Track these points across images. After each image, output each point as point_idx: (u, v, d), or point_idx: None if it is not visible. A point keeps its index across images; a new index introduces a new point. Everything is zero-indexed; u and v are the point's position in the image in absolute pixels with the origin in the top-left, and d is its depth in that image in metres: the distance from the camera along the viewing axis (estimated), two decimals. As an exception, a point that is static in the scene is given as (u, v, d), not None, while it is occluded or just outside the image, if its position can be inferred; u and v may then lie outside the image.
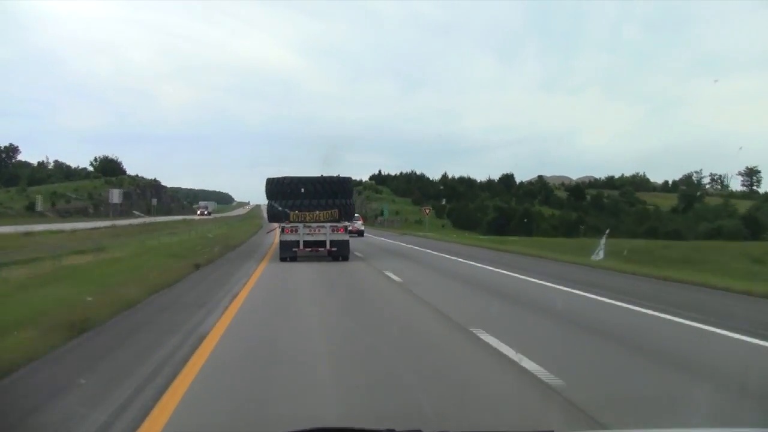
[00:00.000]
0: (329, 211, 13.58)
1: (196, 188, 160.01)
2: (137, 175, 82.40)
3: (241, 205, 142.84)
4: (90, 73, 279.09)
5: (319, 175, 14.31)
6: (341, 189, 14.11)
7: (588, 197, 74.32)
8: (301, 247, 13.10)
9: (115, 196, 46.57)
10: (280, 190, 13.77)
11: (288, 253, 13.06)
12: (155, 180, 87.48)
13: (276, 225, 14.21)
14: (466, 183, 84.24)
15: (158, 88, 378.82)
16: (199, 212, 72.07)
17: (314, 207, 13.54)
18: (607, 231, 17.65)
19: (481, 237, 33.19)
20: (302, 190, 13.62)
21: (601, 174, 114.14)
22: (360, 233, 29.74)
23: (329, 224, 13.36)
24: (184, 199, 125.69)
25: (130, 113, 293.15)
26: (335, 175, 14.61)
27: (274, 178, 14.01)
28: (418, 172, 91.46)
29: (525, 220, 47.00)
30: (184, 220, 43.59)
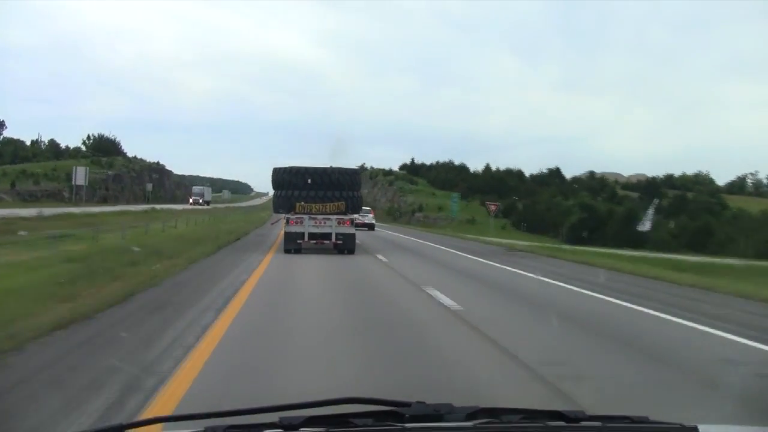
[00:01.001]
0: (336, 203, 14.85)
1: (215, 177, 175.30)
2: (135, 157, 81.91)
3: (259, 195, 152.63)
4: (112, 60, 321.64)
5: (328, 166, 15.70)
6: (349, 181, 15.41)
7: (659, 198, 62.55)
8: (306, 239, 14.41)
9: (80, 175, 41.30)
10: (286, 179, 15.09)
11: (292, 244, 14.42)
12: (157, 163, 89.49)
13: (281, 216, 15.52)
14: (516, 176, 75.25)
15: (180, 76, 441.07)
16: (191, 200, 67.69)
17: (320, 198, 14.84)
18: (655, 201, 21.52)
19: (589, 250, 23.20)
20: (309, 180, 14.92)
21: (651, 172, 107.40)
22: (370, 227, 31.76)
23: (335, 216, 14.65)
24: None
25: (150, 101, 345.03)
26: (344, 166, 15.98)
27: (280, 168, 15.40)
28: (456, 162, 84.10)
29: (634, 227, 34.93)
30: (171, 210, 39.92)
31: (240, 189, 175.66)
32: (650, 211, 38.62)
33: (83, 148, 75.13)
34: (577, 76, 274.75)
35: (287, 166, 15.34)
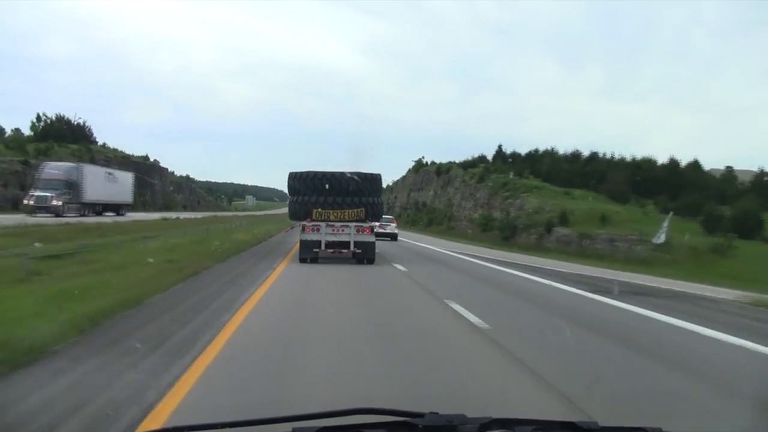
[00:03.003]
0: (355, 210, 17.81)
1: (250, 184, 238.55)
2: (104, 145, 79.35)
3: None
4: (152, 69, 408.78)
5: (347, 171, 18.38)
6: (369, 186, 18.33)
7: None
8: (323, 247, 17.27)
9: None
10: (303, 185, 18.05)
11: (308, 253, 17.31)
12: (147, 159, 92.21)
13: (297, 223, 18.26)
14: (692, 167, 54.80)
15: (219, 84, 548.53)
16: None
17: (339, 205, 17.77)
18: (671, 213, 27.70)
19: None
20: (326, 186, 17.86)
21: None
22: (393, 237, 36.94)
23: (354, 224, 17.58)
24: (227, 194, 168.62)
25: (188, 109, 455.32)
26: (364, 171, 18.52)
27: (296, 173, 18.46)
28: (569, 150, 66.78)
29: None
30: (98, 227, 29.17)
31: (276, 196, 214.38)
32: None
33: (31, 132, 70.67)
34: (618, 82, 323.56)
35: (304, 171, 18.34)
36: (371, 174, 18.64)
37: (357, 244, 17.36)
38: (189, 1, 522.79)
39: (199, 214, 65.70)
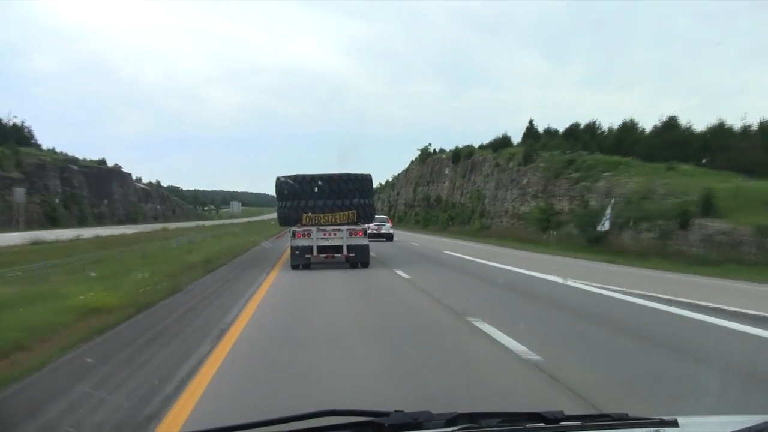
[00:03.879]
0: (346, 213, 19.14)
1: (239, 190, 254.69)
2: (53, 150, 76.07)
3: None
4: (139, 79, 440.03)
5: (336, 172, 19.66)
6: (360, 187, 19.69)
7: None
8: (315, 253, 18.62)
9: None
10: (291, 189, 19.37)
11: (300, 260, 18.64)
12: (104, 163, 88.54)
13: (287, 229, 19.51)
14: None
15: (205, 92, 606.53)
16: None
17: (329, 208, 19.08)
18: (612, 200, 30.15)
19: None
20: (315, 189, 19.18)
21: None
22: (388, 237, 38.33)
23: (346, 227, 18.95)
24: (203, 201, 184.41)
25: (176, 117, 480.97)
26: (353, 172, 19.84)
27: (284, 177, 19.84)
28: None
29: None
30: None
31: (266, 202, 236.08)
32: None
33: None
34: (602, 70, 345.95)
35: (291, 174, 19.69)
36: (360, 174, 19.90)
37: (350, 248, 18.63)
38: (169, 12, 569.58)
39: (155, 226, 62.98)
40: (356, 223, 18.99)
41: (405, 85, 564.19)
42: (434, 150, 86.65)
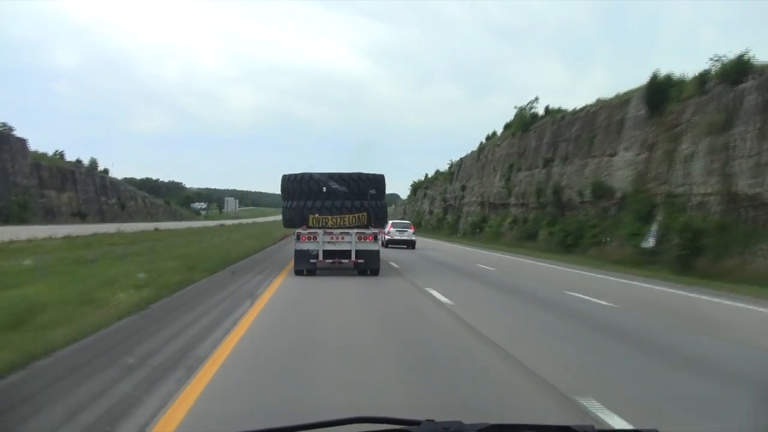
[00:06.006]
0: (356, 215, 18.01)
1: (253, 190, 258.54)
2: None
3: None
4: (159, 77, 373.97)
5: (346, 171, 18.59)
6: (372, 188, 18.52)
7: None
8: (321, 257, 17.55)
9: None
10: (297, 188, 18.33)
11: (305, 265, 17.57)
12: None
13: (294, 232, 18.33)
14: None
15: (224, 91, 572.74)
16: None
17: (337, 209, 18.00)
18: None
19: None
20: (324, 189, 18.12)
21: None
22: (411, 245, 34.83)
23: (355, 230, 17.82)
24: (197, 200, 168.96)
25: (195, 117, 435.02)
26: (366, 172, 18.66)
27: (290, 175, 18.80)
28: None
29: None
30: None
31: (279, 203, 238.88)
32: None
33: None
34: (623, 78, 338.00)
35: (298, 173, 18.63)
36: (373, 174, 18.79)
37: (359, 253, 17.57)
38: (193, 10, 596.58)
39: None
40: (366, 227, 17.92)
41: (425, 89, 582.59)
42: (547, 108, 51.85)
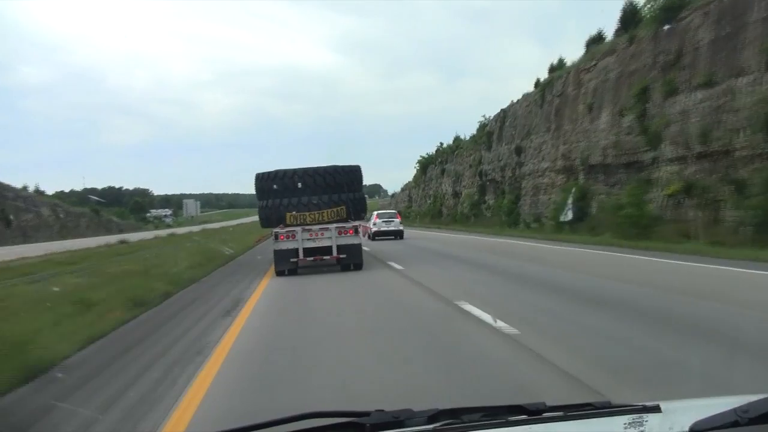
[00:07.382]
0: (334, 209, 17.54)
1: (230, 192, 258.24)
2: None
3: None
4: (129, 87, 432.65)
5: (321, 165, 18.11)
6: (349, 180, 18.13)
7: None
8: (302, 256, 17.05)
9: None
10: (272, 186, 17.77)
11: (285, 265, 17.05)
12: None
13: (272, 231, 17.75)
14: None
15: (196, 96, 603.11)
16: None
17: (315, 205, 17.53)
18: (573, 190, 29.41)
19: None
20: (299, 185, 17.63)
21: None
22: (399, 234, 34.59)
23: (335, 225, 17.36)
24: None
25: (170, 124, 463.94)
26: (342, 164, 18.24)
27: (264, 173, 18.21)
28: None
29: None
30: None
31: (255, 203, 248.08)
32: None
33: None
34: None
35: (272, 170, 18.12)
36: (349, 166, 18.41)
37: (340, 248, 17.14)
38: (160, 17, 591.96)
39: None
40: (346, 220, 17.47)
41: (398, 79, 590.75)
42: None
